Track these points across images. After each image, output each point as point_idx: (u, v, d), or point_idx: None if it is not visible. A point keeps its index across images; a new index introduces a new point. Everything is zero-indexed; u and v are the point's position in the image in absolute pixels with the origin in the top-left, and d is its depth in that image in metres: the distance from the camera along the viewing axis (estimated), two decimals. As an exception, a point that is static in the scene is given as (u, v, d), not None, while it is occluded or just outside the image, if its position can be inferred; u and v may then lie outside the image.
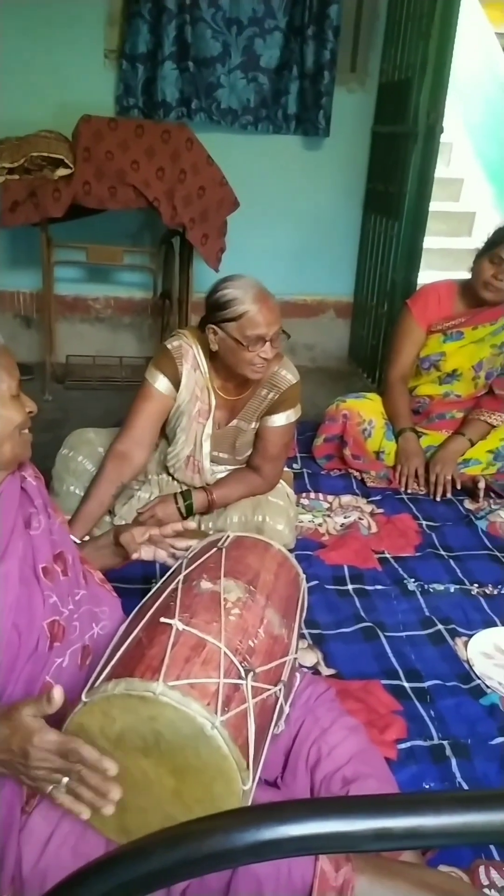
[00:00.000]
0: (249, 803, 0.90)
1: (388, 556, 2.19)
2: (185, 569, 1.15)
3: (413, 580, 2.07)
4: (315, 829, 0.48)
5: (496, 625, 1.90)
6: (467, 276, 2.51)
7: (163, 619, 0.98)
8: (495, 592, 2.05)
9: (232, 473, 2.05)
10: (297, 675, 1.24)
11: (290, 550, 2.00)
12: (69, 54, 3.30)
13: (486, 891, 1.21)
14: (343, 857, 1.00)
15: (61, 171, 2.89)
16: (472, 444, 2.56)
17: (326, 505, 2.46)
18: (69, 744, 0.84)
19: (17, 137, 2.94)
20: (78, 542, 1.70)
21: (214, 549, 1.22)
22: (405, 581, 2.06)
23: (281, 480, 2.12)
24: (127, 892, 0.50)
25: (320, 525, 2.33)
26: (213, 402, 1.95)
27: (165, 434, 2.03)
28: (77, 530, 1.78)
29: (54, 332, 3.48)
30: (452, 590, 2.04)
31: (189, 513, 1.95)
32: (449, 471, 2.53)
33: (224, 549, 1.20)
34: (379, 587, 2.04)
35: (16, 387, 1.08)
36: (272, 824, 0.48)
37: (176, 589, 1.07)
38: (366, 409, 2.63)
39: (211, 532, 1.98)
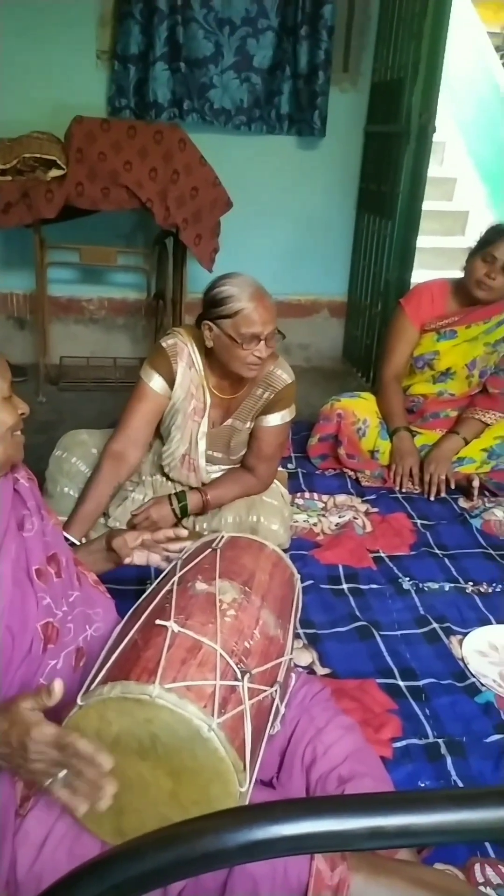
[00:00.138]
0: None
1: (382, 555, 2.20)
2: (180, 570, 1.15)
3: (408, 579, 2.07)
4: (308, 829, 0.48)
5: (491, 623, 1.91)
6: (461, 275, 2.51)
7: (158, 621, 0.98)
8: (490, 590, 2.05)
9: (226, 474, 2.05)
10: (293, 675, 1.24)
11: (286, 550, 2.01)
12: (61, 55, 3.29)
13: (482, 888, 1.21)
14: (339, 856, 1.00)
15: (54, 172, 2.89)
16: (467, 443, 2.56)
17: (321, 504, 2.46)
18: (66, 737, 0.84)
19: (10, 139, 2.94)
20: (77, 542, 1.71)
21: (209, 550, 1.22)
22: (400, 580, 2.07)
23: (275, 480, 2.13)
24: (121, 893, 0.50)
25: (315, 525, 2.33)
26: (209, 401, 1.95)
27: (159, 434, 2.03)
28: (75, 531, 1.79)
29: (48, 334, 3.48)
30: (447, 588, 2.04)
31: (184, 514, 1.95)
32: (443, 470, 2.53)
33: (219, 550, 1.20)
34: (374, 586, 2.04)
35: (7, 388, 1.08)
36: (265, 824, 0.48)
37: (171, 590, 1.07)
38: (360, 408, 2.63)
39: (205, 533, 1.98)
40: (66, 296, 3.70)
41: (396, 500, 2.53)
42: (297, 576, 1.30)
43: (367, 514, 2.42)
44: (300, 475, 2.64)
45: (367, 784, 1.16)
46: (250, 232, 3.61)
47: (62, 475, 2.00)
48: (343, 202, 3.82)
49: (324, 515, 2.39)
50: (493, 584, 2.07)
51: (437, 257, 4.54)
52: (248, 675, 0.95)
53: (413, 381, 2.68)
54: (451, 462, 2.55)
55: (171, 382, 1.91)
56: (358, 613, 1.91)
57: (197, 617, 1.00)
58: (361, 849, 0.55)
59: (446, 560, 2.19)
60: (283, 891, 0.97)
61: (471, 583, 2.08)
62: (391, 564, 2.15)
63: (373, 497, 2.53)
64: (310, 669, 1.69)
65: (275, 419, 1.99)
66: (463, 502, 2.55)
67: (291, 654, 1.15)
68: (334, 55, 3.46)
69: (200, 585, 1.08)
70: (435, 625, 1.87)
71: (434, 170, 4.34)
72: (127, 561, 1.33)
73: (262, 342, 1.80)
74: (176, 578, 1.11)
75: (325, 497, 2.50)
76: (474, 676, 1.71)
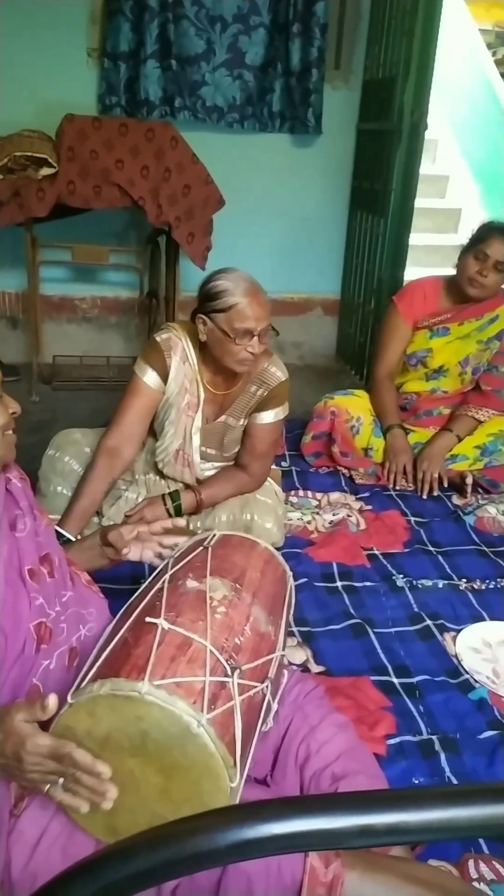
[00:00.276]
0: (238, 801, 0.90)
1: (376, 552, 2.20)
2: (171, 568, 1.15)
3: (402, 576, 2.08)
4: (297, 828, 0.48)
5: (484, 619, 1.91)
6: (453, 272, 2.52)
7: (148, 619, 0.98)
8: (483, 587, 2.06)
9: (219, 472, 2.05)
10: (285, 672, 1.24)
11: (279, 548, 2.01)
12: (52, 53, 3.28)
13: (476, 884, 1.22)
14: (332, 854, 1.00)
15: (45, 171, 2.88)
16: (460, 440, 2.57)
17: (315, 502, 2.46)
18: (62, 748, 0.84)
19: (0, 137, 2.93)
20: (73, 539, 1.71)
21: (200, 548, 1.22)
22: (394, 577, 2.07)
23: (269, 479, 2.12)
24: (113, 893, 0.50)
25: (309, 523, 2.33)
26: (202, 396, 1.95)
27: (153, 432, 2.03)
28: (71, 528, 1.78)
29: (41, 333, 3.47)
30: (441, 585, 2.05)
31: (178, 513, 1.95)
32: (436, 468, 2.54)
33: (210, 548, 1.20)
34: (368, 584, 2.04)
35: (-2, 388, 1.07)
36: (255, 823, 0.48)
37: (162, 588, 1.07)
38: (354, 406, 2.63)
39: (199, 531, 1.98)
40: (59, 294, 3.69)
41: (390, 498, 2.53)
42: (290, 573, 1.30)
43: (360, 511, 2.42)
44: (294, 473, 2.64)
45: (361, 781, 1.16)
46: (243, 230, 3.60)
47: (55, 474, 1.99)
48: (336, 200, 3.82)
49: (318, 513, 2.39)
50: (487, 581, 2.08)
51: (430, 255, 4.54)
52: (238, 671, 0.95)
53: (406, 378, 2.68)
54: (444, 459, 2.56)
55: (164, 377, 1.91)
56: (352, 611, 1.91)
57: (187, 614, 1.00)
58: (351, 847, 0.55)
59: (440, 557, 2.19)
60: (278, 888, 0.97)
61: (464, 580, 2.09)
62: (385, 562, 2.15)
63: (366, 495, 2.53)
64: (304, 667, 1.69)
65: (268, 416, 1.99)
66: (456, 499, 2.55)
67: (283, 650, 1.15)
68: (327, 53, 3.45)
69: (191, 583, 1.08)
70: (429, 622, 1.87)
71: (427, 167, 4.35)
72: (125, 552, 1.33)
73: (256, 338, 1.80)
74: (167, 576, 1.11)
75: (318, 495, 2.50)
76: (468, 673, 1.71)
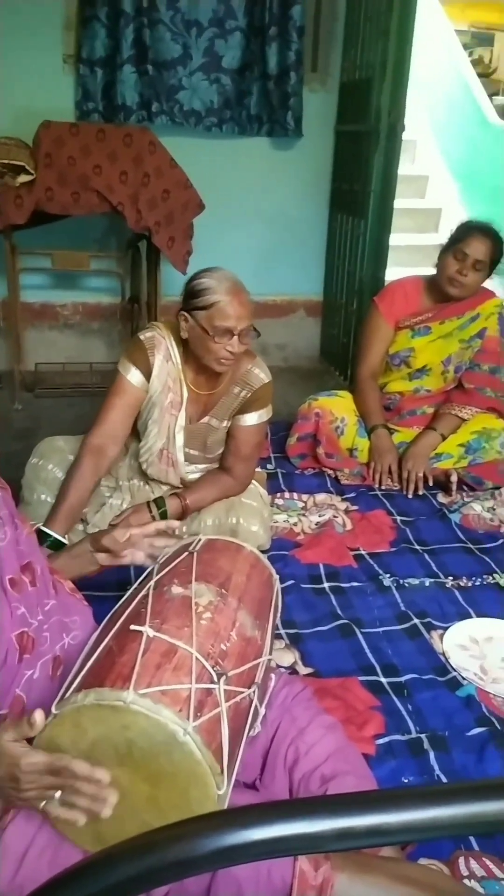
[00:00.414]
0: (225, 807, 0.90)
1: (363, 552, 2.20)
2: (157, 574, 1.14)
3: (388, 576, 2.08)
4: (278, 832, 0.48)
5: (471, 616, 1.92)
6: (434, 271, 2.53)
7: (133, 627, 0.98)
8: (469, 584, 2.07)
9: (204, 477, 2.04)
10: (272, 675, 1.24)
11: (266, 551, 2.01)
12: (27, 60, 3.26)
13: (467, 881, 1.22)
14: (322, 856, 1.00)
15: (23, 178, 2.86)
16: (444, 439, 2.58)
17: (301, 504, 2.46)
18: (59, 762, 0.84)
19: (-22, 145, 2.91)
20: (62, 539, 1.69)
21: (186, 554, 1.21)
22: (380, 577, 2.08)
23: (254, 481, 2.12)
24: (96, 904, 0.50)
25: (295, 524, 2.33)
26: (185, 395, 1.95)
27: (136, 435, 2.02)
28: (59, 527, 1.76)
29: (22, 340, 3.45)
30: (427, 584, 2.06)
31: (163, 520, 1.94)
32: (421, 467, 2.54)
33: (195, 553, 1.20)
34: (355, 584, 2.04)
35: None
36: (235, 829, 0.48)
37: (147, 595, 1.07)
38: (338, 406, 2.64)
39: (185, 536, 1.97)
40: (40, 301, 3.67)
41: (376, 498, 2.54)
42: (276, 577, 1.30)
43: (346, 512, 2.43)
44: (279, 475, 2.64)
45: (350, 782, 1.16)
46: (224, 234, 3.60)
47: (39, 482, 1.98)
48: (316, 202, 3.83)
49: (304, 515, 2.39)
50: (473, 578, 2.09)
51: (411, 254, 4.57)
52: (224, 677, 0.95)
53: (389, 378, 2.69)
54: (428, 458, 2.57)
55: (147, 375, 1.91)
56: (339, 612, 1.91)
57: (172, 621, 1.00)
58: (333, 850, 0.55)
59: (426, 555, 2.20)
60: (268, 892, 0.97)
61: (451, 577, 2.09)
62: (371, 562, 2.16)
63: (352, 495, 2.53)
64: (292, 669, 1.69)
65: (252, 418, 1.99)
66: (442, 498, 2.56)
67: (270, 654, 1.15)
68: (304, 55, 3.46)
69: (176, 589, 1.08)
70: (416, 620, 1.88)
71: (406, 168, 4.38)
72: (123, 554, 1.31)
73: (235, 337, 1.80)
74: (152, 583, 1.10)
75: (304, 496, 2.50)
76: (455, 670, 1.72)
